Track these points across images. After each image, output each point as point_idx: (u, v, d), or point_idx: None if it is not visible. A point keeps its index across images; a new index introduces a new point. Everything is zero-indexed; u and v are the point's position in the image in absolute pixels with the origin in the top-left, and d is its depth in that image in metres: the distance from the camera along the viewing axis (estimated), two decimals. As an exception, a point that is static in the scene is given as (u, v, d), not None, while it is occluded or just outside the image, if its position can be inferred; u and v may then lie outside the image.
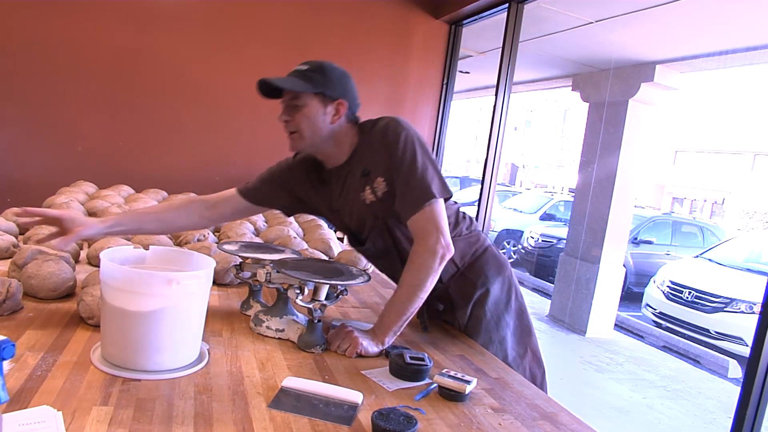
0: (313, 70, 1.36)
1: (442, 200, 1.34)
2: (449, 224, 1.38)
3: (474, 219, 1.59)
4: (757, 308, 5.36)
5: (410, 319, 1.32)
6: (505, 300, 1.56)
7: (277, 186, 1.56)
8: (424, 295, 1.31)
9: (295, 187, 1.54)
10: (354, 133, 1.42)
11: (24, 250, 1.49)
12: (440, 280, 1.40)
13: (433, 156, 1.38)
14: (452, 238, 1.39)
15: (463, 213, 1.56)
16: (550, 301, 6.54)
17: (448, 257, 1.31)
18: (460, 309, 1.53)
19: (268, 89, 1.38)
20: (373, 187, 1.37)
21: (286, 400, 0.98)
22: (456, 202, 1.53)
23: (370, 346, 1.27)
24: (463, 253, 1.50)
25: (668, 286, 6.33)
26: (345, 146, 1.41)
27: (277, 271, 1.30)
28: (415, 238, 1.33)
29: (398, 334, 1.32)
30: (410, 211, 1.32)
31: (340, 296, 1.32)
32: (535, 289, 7.70)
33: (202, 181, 3.74)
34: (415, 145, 1.33)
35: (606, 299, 5.80)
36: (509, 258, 9.39)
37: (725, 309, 5.68)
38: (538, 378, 1.57)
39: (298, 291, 1.26)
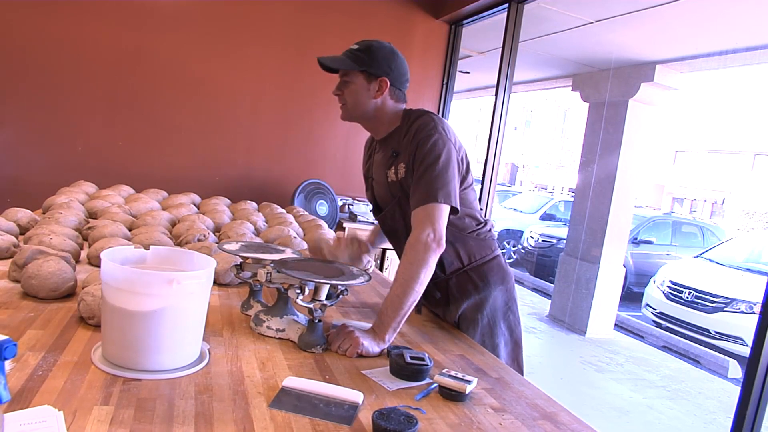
0: (362, 50, 1.48)
1: (447, 207, 1.39)
2: (473, 218, 1.54)
3: (493, 229, 1.66)
4: (757, 308, 5.36)
5: (409, 313, 1.33)
6: (503, 310, 1.61)
7: (365, 176, 1.73)
8: (420, 289, 1.34)
9: (366, 161, 1.71)
10: (397, 115, 1.53)
11: (24, 250, 1.49)
12: (443, 271, 1.53)
13: (455, 167, 1.44)
14: (466, 234, 1.53)
15: (487, 220, 1.64)
16: (550, 301, 6.54)
17: (439, 251, 1.36)
18: (454, 303, 1.58)
19: (325, 67, 1.51)
20: (397, 168, 1.49)
21: (286, 400, 0.98)
22: (488, 221, 1.61)
23: (371, 346, 1.27)
24: (470, 253, 1.57)
25: (668, 286, 6.33)
26: (385, 124, 1.53)
27: (278, 271, 1.30)
28: (412, 228, 1.39)
29: (398, 330, 1.33)
30: (416, 203, 1.39)
31: (341, 296, 1.32)
32: (535, 289, 7.70)
33: (202, 181, 3.75)
34: (442, 151, 1.41)
35: (606, 299, 5.80)
36: (509, 258, 9.40)
37: (725, 309, 5.68)
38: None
39: (299, 291, 1.26)
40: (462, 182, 1.50)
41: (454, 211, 1.42)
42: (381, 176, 1.56)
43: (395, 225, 1.56)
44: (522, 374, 1.61)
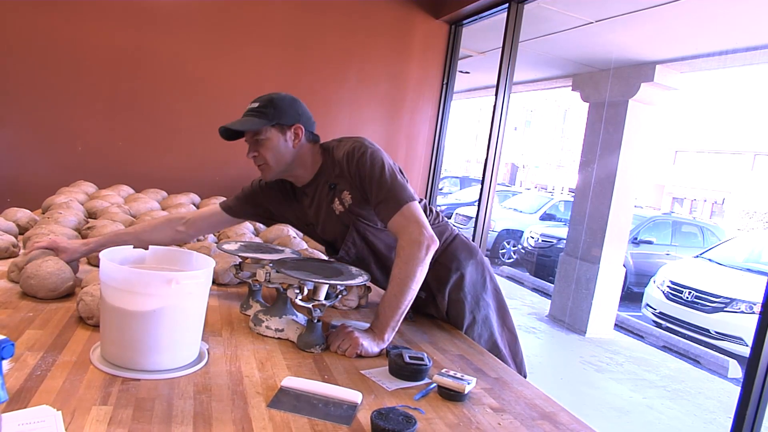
0: (265, 105, 1.48)
1: (416, 202, 1.43)
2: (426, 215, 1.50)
3: (440, 212, 1.69)
4: (757, 308, 5.36)
5: (406, 312, 1.34)
6: (481, 281, 1.65)
7: (252, 204, 1.67)
8: (416, 287, 1.35)
9: (269, 205, 1.66)
10: (317, 152, 1.54)
11: (28, 252, 1.49)
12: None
13: (398, 168, 1.48)
14: None
15: (430, 207, 1.65)
16: (550, 301, 6.54)
17: (433, 248, 1.37)
18: (439, 294, 1.61)
19: (231, 133, 1.50)
20: (341, 199, 1.49)
21: (285, 400, 0.98)
22: (422, 200, 1.60)
23: (370, 346, 1.28)
24: None
25: (668, 286, 6.33)
26: (309, 166, 1.53)
27: (277, 271, 1.30)
28: (398, 235, 1.39)
29: (396, 329, 1.34)
30: (389, 215, 1.40)
31: (340, 296, 1.32)
32: (535, 289, 7.69)
33: (202, 181, 3.74)
34: (382, 160, 1.44)
35: (606, 299, 5.80)
36: (509, 258, 9.40)
37: (725, 309, 5.68)
38: (519, 355, 1.68)
39: (298, 291, 1.26)
40: None
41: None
42: (327, 213, 1.53)
43: (360, 252, 1.56)
44: (516, 339, 1.70)
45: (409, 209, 1.39)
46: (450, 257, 1.61)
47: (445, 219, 1.68)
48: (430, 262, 1.46)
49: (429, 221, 1.54)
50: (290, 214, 1.64)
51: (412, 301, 1.35)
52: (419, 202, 1.53)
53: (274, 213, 1.66)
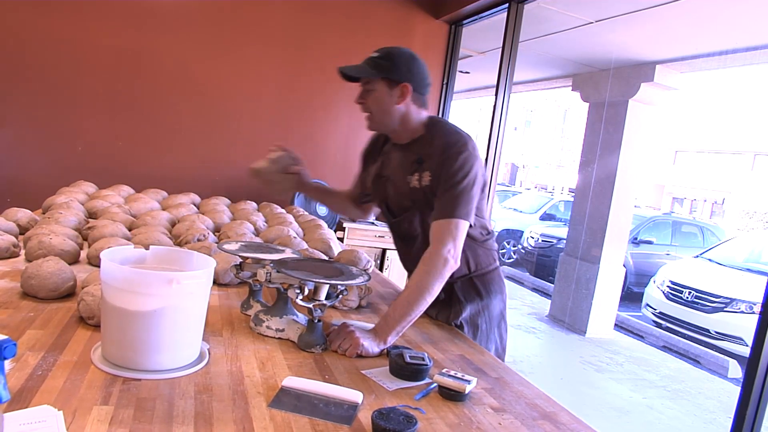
0: (382, 56, 1.50)
1: (466, 224, 1.43)
2: (484, 228, 1.60)
3: (494, 239, 1.73)
4: (757, 308, 5.36)
5: (414, 321, 1.35)
6: (498, 319, 1.69)
7: (362, 165, 1.78)
8: (430, 299, 1.37)
9: (368, 155, 1.75)
10: (420, 122, 1.54)
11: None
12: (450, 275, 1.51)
13: (481, 184, 1.49)
14: (477, 244, 1.60)
15: (492, 231, 1.70)
16: (550, 301, 6.54)
17: (454, 269, 1.40)
18: (456, 306, 1.63)
19: (343, 75, 1.53)
20: (421, 175, 1.49)
21: (286, 400, 0.98)
22: (483, 219, 1.63)
23: (371, 347, 1.27)
24: (477, 261, 1.63)
25: (668, 286, 6.33)
26: (409, 129, 1.54)
27: (277, 271, 1.30)
28: (432, 241, 1.41)
29: (400, 334, 1.34)
30: (437, 216, 1.42)
31: (340, 296, 1.32)
32: (535, 289, 7.69)
33: (202, 181, 3.74)
34: (470, 170, 1.44)
35: (606, 299, 5.80)
36: (509, 258, 9.40)
37: (725, 309, 5.68)
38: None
39: (298, 291, 1.26)
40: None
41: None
42: (400, 180, 1.56)
43: (412, 231, 1.57)
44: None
45: (455, 224, 1.40)
46: (484, 283, 1.65)
47: (496, 247, 1.71)
48: (465, 277, 1.55)
49: (487, 241, 1.64)
50: (372, 163, 1.69)
51: (422, 311, 1.36)
52: (490, 237, 1.64)
53: (368, 163, 1.73)
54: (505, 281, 1.76)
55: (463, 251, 1.53)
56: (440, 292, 1.54)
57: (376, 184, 1.67)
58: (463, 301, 1.62)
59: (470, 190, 1.44)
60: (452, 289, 1.62)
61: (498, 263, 1.71)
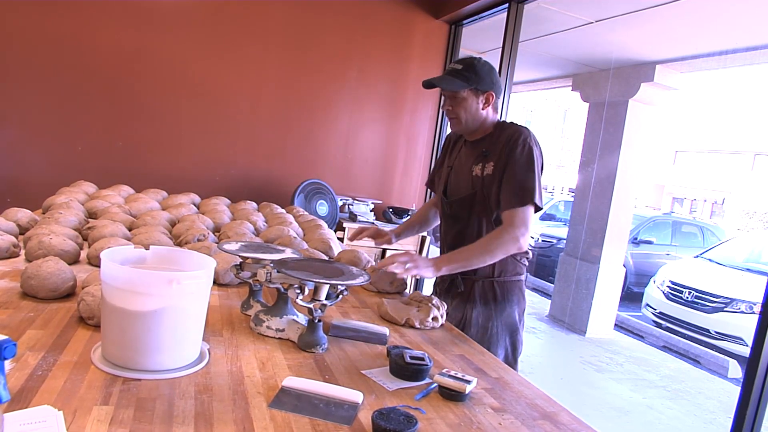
0: (466, 68, 1.68)
1: (535, 210, 1.60)
2: None
3: (529, 257, 1.82)
4: (757, 308, 5.36)
5: (467, 268, 1.59)
6: (511, 327, 1.76)
7: (437, 167, 1.96)
8: (488, 262, 1.59)
9: (443, 154, 1.93)
10: (491, 122, 1.74)
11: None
12: (474, 272, 1.70)
13: (541, 174, 1.65)
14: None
15: (529, 254, 1.80)
16: (550, 301, 6.54)
17: (520, 252, 1.60)
18: (471, 303, 1.73)
19: (429, 86, 1.72)
20: (484, 166, 1.69)
21: (286, 400, 0.98)
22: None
23: (426, 269, 1.50)
24: (503, 268, 1.73)
25: (668, 286, 6.33)
26: (484, 129, 1.75)
27: (278, 271, 1.30)
28: (505, 223, 1.59)
29: (452, 270, 1.58)
30: (509, 203, 1.59)
31: (341, 296, 1.32)
32: (535, 289, 7.69)
33: (202, 181, 3.75)
34: (533, 155, 1.61)
35: (606, 299, 5.80)
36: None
37: (725, 309, 5.68)
38: None
39: (299, 291, 1.26)
40: None
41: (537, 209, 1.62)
42: (464, 169, 1.76)
43: (461, 212, 1.75)
44: None
45: (527, 210, 1.57)
46: (503, 289, 1.74)
47: (526, 263, 1.80)
48: (486, 279, 1.70)
49: (520, 254, 1.72)
50: (452, 156, 1.86)
51: (475, 266, 1.59)
52: (524, 252, 1.71)
53: (445, 158, 1.91)
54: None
55: None
56: (460, 285, 1.74)
57: (442, 174, 1.87)
58: (478, 301, 1.73)
59: (536, 174, 1.59)
60: (473, 286, 1.74)
61: (522, 276, 1.79)
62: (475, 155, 1.73)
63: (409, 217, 2.14)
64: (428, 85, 1.72)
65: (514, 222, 1.57)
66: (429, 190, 2.03)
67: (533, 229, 1.63)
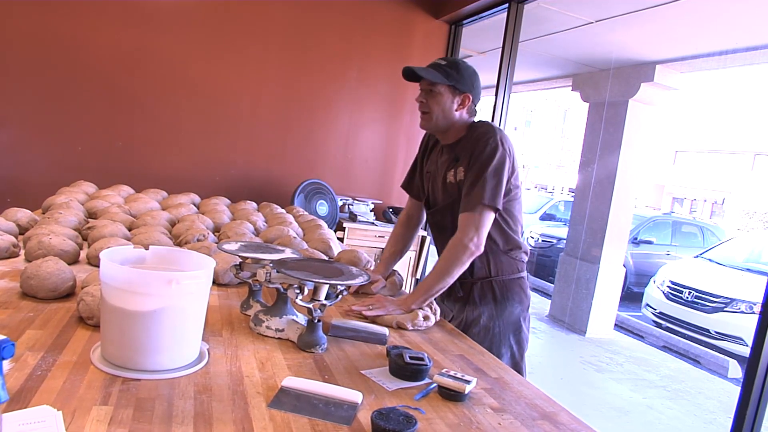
0: (450, 65, 1.65)
1: (491, 213, 1.57)
2: (512, 246, 1.72)
3: (527, 255, 1.82)
4: (757, 308, 5.36)
5: (436, 296, 1.59)
6: (514, 326, 1.76)
7: (413, 169, 1.91)
8: (450, 280, 1.58)
9: (421, 157, 1.88)
10: (465, 126, 1.71)
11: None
12: (471, 274, 1.69)
13: (508, 173, 1.61)
14: (501, 251, 1.72)
15: (527, 249, 1.80)
16: (550, 301, 6.54)
17: (476, 255, 1.57)
18: (471, 305, 1.73)
19: (408, 74, 1.67)
20: (456, 171, 1.67)
21: (286, 400, 0.98)
22: (528, 244, 1.75)
23: (395, 311, 1.51)
24: (499, 268, 1.73)
25: (668, 286, 6.33)
26: (454, 133, 1.71)
27: (277, 271, 1.30)
28: (458, 229, 1.58)
29: (424, 303, 1.57)
30: (463, 207, 1.58)
31: (340, 296, 1.32)
32: (535, 289, 7.69)
33: (202, 181, 3.75)
34: (496, 157, 1.57)
35: (606, 299, 5.80)
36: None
37: (725, 309, 5.68)
38: None
39: (298, 291, 1.26)
40: (507, 193, 1.63)
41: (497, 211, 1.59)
42: (439, 175, 1.74)
43: (444, 222, 1.73)
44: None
45: (479, 213, 1.55)
46: (502, 288, 1.74)
47: (524, 259, 1.79)
48: (484, 280, 1.71)
49: (516, 253, 1.74)
50: (426, 163, 1.84)
51: (443, 289, 1.58)
52: (519, 249, 1.73)
53: (422, 166, 1.87)
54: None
55: (486, 256, 1.67)
56: (459, 290, 1.74)
57: (423, 180, 1.85)
58: (478, 303, 1.73)
59: (494, 177, 1.55)
60: (471, 288, 1.73)
61: (522, 274, 1.78)
62: (449, 160, 1.71)
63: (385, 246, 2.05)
64: (408, 72, 1.65)
65: (463, 228, 1.56)
66: (406, 192, 1.95)
67: (486, 230, 1.56)
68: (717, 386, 4.79)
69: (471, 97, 1.66)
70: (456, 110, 1.66)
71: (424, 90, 1.67)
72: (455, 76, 1.63)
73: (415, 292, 1.58)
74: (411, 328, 1.51)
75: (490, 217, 1.57)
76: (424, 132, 1.86)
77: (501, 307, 1.74)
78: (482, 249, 1.56)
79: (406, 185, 1.95)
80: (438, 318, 1.59)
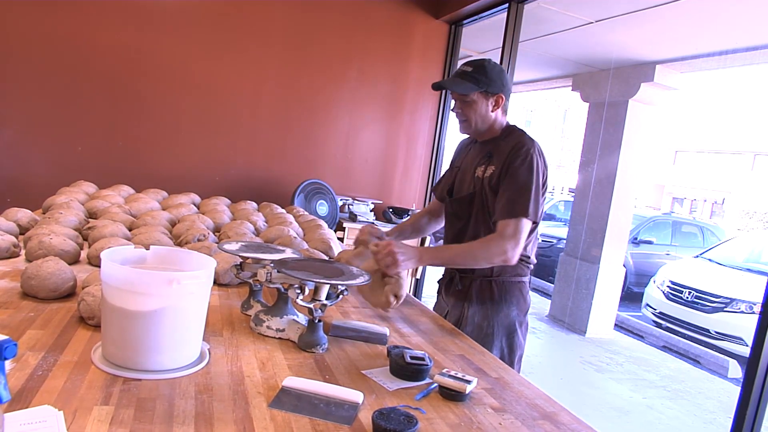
0: (477, 71, 1.67)
1: (530, 222, 1.58)
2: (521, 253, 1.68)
3: (533, 263, 1.81)
4: (757, 308, 5.36)
5: (446, 265, 1.68)
6: (508, 328, 1.75)
7: (449, 173, 1.93)
8: (468, 264, 1.64)
9: (456, 157, 1.92)
10: (499, 126, 1.74)
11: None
12: (472, 270, 1.72)
13: (543, 185, 1.63)
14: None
15: (533, 261, 1.80)
16: (550, 301, 6.54)
17: (508, 264, 1.58)
18: (467, 301, 1.74)
19: (438, 88, 1.77)
20: (487, 168, 1.70)
21: (286, 400, 0.98)
22: (537, 224, 1.70)
23: (408, 263, 1.49)
24: (503, 268, 1.73)
25: (668, 286, 6.33)
26: (492, 131, 1.75)
27: (278, 271, 1.30)
28: (496, 234, 1.58)
29: (434, 264, 1.63)
30: (502, 215, 1.58)
31: (341, 296, 1.32)
32: (535, 289, 7.69)
33: (202, 181, 3.75)
34: (533, 168, 1.59)
35: (606, 299, 5.80)
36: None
37: (725, 309, 5.69)
38: None
39: (299, 291, 1.26)
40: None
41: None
42: (469, 169, 1.77)
43: (461, 212, 1.76)
44: None
45: (520, 223, 1.56)
46: (501, 288, 1.74)
47: (528, 267, 1.78)
48: (484, 278, 1.71)
49: (525, 244, 1.69)
50: (461, 158, 1.87)
51: (456, 266, 1.68)
52: (527, 259, 1.73)
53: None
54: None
55: None
56: (458, 283, 1.75)
57: (450, 176, 1.87)
58: (475, 300, 1.73)
59: (533, 188, 1.58)
60: (470, 285, 1.74)
61: (523, 279, 1.77)
62: (481, 156, 1.74)
63: (408, 217, 2.08)
64: (438, 87, 1.72)
65: (504, 233, 1.56)
66: (434, 193, 1.98)
67: (524, 243, 1.58)
68: (717, 386, 4.79)
69: (504, 96, 1.70)
70: (492, 111, 1.71)
71: (458, 100, 1.70)
72: (484, 80, 1.66)
73: (432, 250, 1.63)
74: (394, 304, 1.49)
75: (528, 226, 1.58)
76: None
77: (497, 308, 1.73)
78: (515, 262, 1.57)
79: (436, 186, 1.99)
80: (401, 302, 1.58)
